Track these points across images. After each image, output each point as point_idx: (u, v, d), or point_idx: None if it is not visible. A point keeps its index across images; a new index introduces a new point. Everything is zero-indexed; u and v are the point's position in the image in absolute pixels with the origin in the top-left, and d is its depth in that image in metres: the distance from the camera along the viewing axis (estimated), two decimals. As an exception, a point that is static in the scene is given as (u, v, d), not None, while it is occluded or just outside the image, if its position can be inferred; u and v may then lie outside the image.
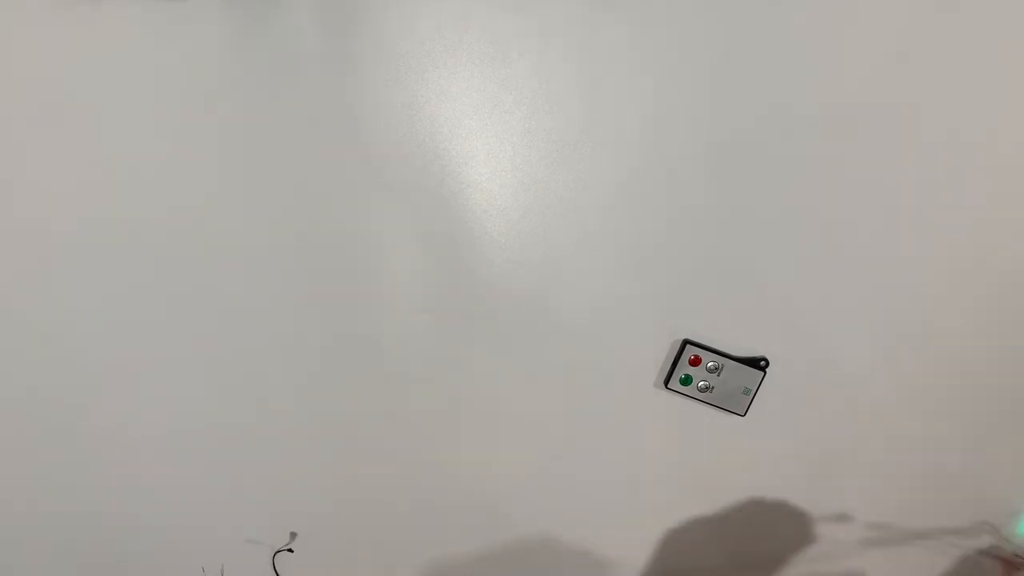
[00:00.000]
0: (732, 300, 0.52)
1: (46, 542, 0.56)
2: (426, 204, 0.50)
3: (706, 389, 0.54)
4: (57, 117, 0.48)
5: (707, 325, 0.52)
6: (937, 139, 0.51)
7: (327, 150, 0.49)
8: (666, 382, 0.54)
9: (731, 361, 0.53)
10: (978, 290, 0.53)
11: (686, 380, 0.53)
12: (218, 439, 0.54)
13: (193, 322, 0.52)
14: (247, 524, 0.57)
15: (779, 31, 0.49)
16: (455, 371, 0.53)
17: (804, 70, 0.49)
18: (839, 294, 0.53)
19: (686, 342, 0.53)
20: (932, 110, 0.50)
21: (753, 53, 0.49)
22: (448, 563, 0.58)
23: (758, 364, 0.53)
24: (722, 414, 0.54)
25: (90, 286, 0.51)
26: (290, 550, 0.56)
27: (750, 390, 0.54)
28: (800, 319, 0.53)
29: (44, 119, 0.48)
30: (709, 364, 0.53)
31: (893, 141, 0.50)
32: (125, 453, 0.54)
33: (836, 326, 0.53)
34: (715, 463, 0.56)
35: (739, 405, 0.54)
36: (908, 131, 0.50)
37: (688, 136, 0.50)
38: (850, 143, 0.50)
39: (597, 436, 0.56)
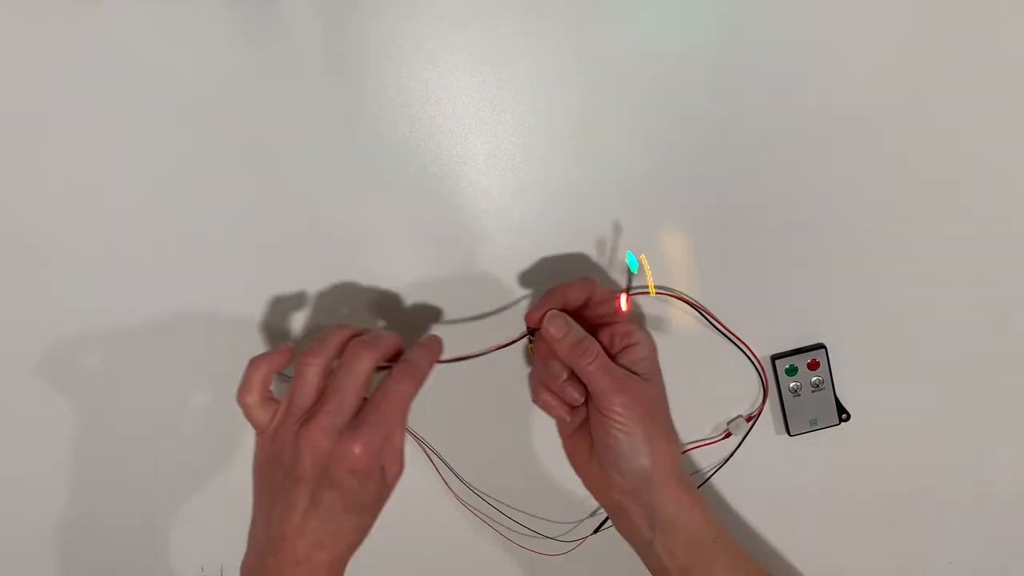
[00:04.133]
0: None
1: (43, 542, 0.56)
2: (426, 204, 0.51)
3: (795, 392, 0.54)
4: (55, 117, 0.48)
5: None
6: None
7: (326, 150, 0.49)
8: (777, 357, 0.54)
9: (832, 392, 0.54)
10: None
11: (792, 370, 0.53)
12: (218, 437, 0.54)
13: (191, 321, 0.52)
14: (247, 524, 0.56)
15: (786, 30, 0.49)
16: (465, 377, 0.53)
17: (814, 67, 0.49)
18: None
19: (823, 346, 0.53)
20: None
21: (759, 51, 0.49)
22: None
23: (843, 413, 0.54)
24: (771, 417, 0.55)
25: (86, 286, 0.51)
26: (289, 550, 0.56)
27: (816, 423, 0.54)
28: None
29: (42, 119, 0.48)
30: (815, 378, 0.53)
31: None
32: (124, 452, 0.54)
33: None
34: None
35: (797, 425, 0.54)
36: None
37: (690, 136, 0.50)
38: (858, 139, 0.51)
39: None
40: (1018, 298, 0.54)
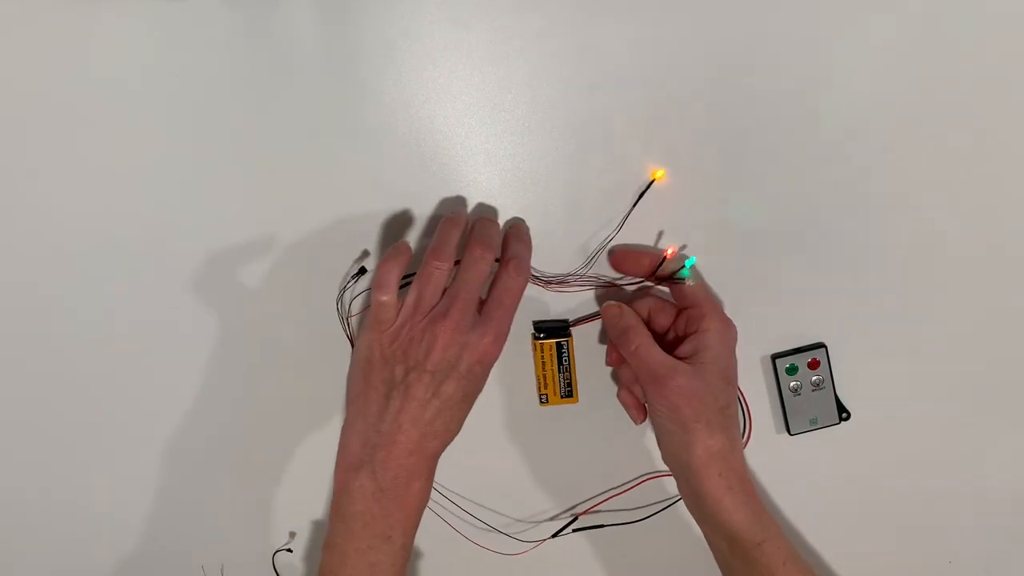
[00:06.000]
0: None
1: (44, 541, 0.56)
2: (426, 204, 0.51)
3: (796, 391, 0.54)
4: (55, 117, 0.48)
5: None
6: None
7: (325, 150, 0.49)
8: (778, 356, 0.54)
9: (832, 391, 0.54)
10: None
11: (792, 369, 0.53)
12: (218, 437, 0.54)
13: (190, 323, 0.52)
14: (247, 524, 0.57)
15: (784, 32, 0.49)
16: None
17: (816, 68, 0.49)
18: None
19: (823, 345, 0.53)
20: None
21: (758, 52, 0.49)
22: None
23: (843, 412, 0.54)
24: (771, 417, 0.55)
25: (87, 287, 0.51)
26: (289, 550, 0.56)
27: (816, 422, 0.54)
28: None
29: (42, 119, 0.48)
30: (815, 378, 0.53)
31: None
32: (124, 453, 0.54)
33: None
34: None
35: (797, 425, 0.54)
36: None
37: (689, 136, 0.50)
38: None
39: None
40: (1018, 298, 0.54)
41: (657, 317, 0.51)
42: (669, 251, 0.49)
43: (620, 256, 0.51)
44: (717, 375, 0.46)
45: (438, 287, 0.44)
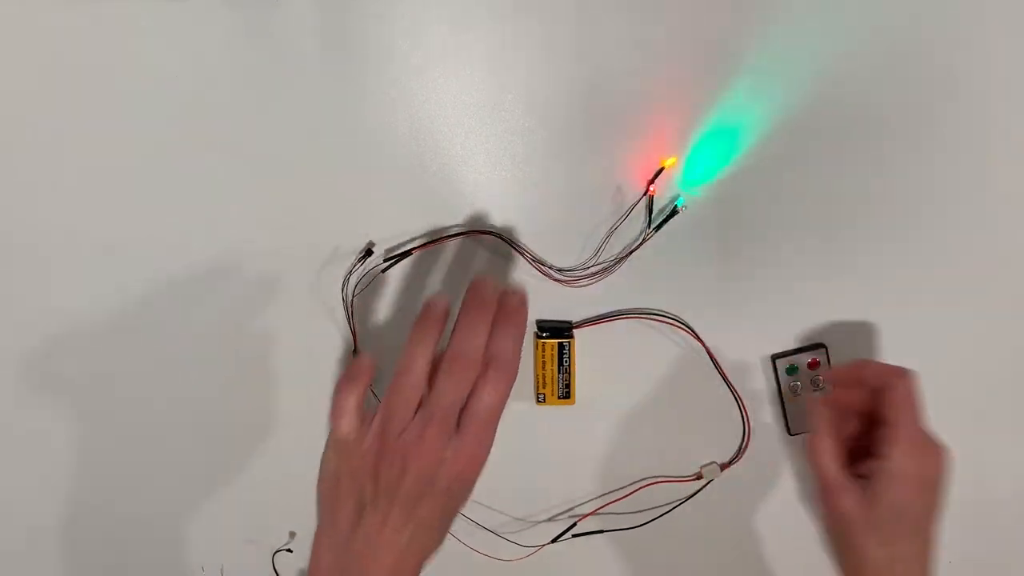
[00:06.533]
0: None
1: (44, 541, 0.56)
2: (426, 204, 0.51)
3: (796, 391, 0.53)
4: (54, 117, 0.48)
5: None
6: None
7: (326, 149, 0.49)
8: (778, 356, 0.53)
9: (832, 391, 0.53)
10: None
11: (792, 369, 0.53)
12: (219, 437, 0.54)
13: (190, 322, 0.52)
14: (247, 524, 0.57)
15: (783, 31, 0.49)
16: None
17: (813, 68, 0.49)
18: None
19: (823, 346, 0.53)
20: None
21: (761, 51, 0.49)
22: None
23: None
24: (771, 417, 0.55)
25: (87, 288, 0.51)
26: (289, 550, 0.56)
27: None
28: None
29: (41, 119, 0.48)
30: (815, 378, 0.53)
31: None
32: (124, 453, 0.54)
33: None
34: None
35: (797, 425, 0.54)
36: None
37: (689, 136, 0.50)
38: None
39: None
40: (1018, 299, 0.54)
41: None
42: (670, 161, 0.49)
43: (836, 373, 0.51)
44: (890, 512, 0.44)
45: (410, 407, 0.40)
